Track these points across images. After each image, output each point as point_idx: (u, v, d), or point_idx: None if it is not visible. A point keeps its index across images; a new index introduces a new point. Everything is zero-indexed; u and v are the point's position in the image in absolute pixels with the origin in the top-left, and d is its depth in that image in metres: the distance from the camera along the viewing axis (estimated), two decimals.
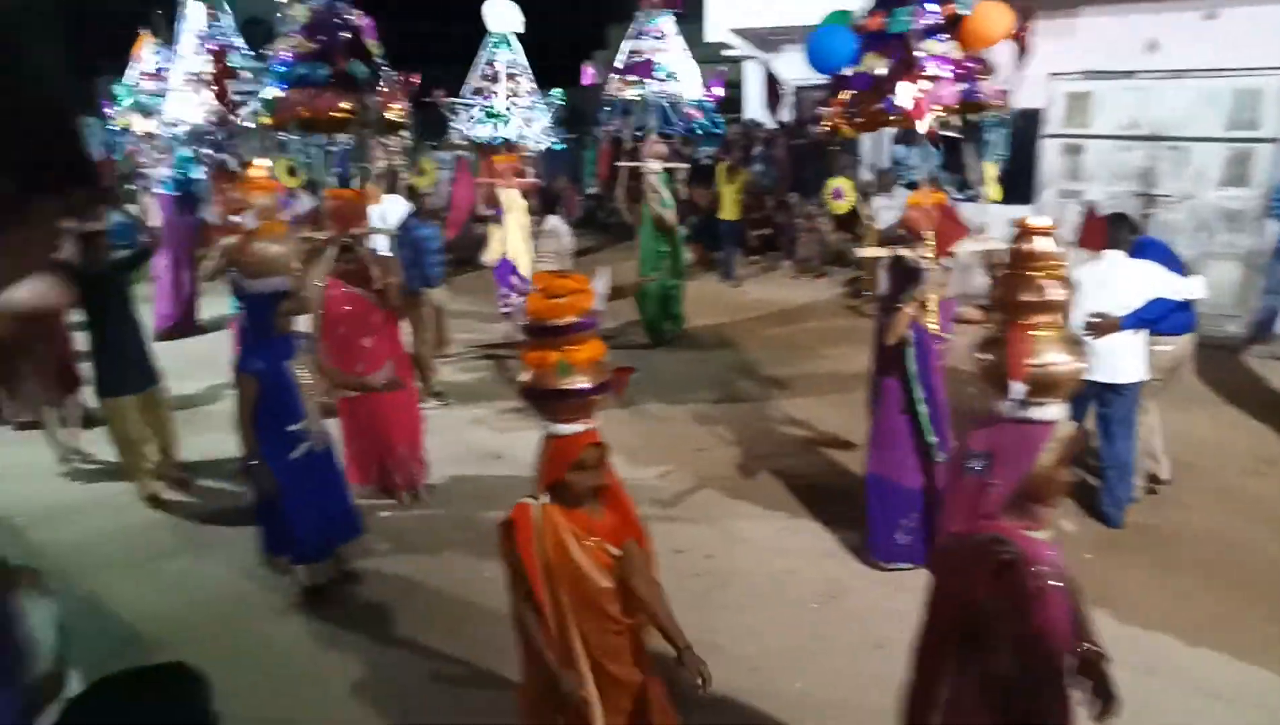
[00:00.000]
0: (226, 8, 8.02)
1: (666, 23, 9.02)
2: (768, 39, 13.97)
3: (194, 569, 4.63)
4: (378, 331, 5.14)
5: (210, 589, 4.43)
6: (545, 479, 2.41)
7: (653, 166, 8.63)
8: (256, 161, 5.37)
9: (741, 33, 13.94)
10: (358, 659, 3.81)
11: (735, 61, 15.44)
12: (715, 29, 14.12)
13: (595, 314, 2.42)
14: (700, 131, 9.46)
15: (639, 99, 8.95)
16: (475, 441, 6.16)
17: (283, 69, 4.90)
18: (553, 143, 8.86)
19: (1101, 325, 4.31)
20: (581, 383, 2.35)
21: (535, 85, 8.58)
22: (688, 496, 5.35)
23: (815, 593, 4.29)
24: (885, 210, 10.38)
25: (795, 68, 14.36)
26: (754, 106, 14.86)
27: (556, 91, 8.76)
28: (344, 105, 4.84)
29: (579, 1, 20.33)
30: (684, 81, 9.02)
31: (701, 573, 4.48)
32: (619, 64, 9.12)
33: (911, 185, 10.13)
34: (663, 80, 8.85)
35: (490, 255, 8.41)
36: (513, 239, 8.74)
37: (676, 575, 4.39)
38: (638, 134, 9.11)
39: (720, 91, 9.49)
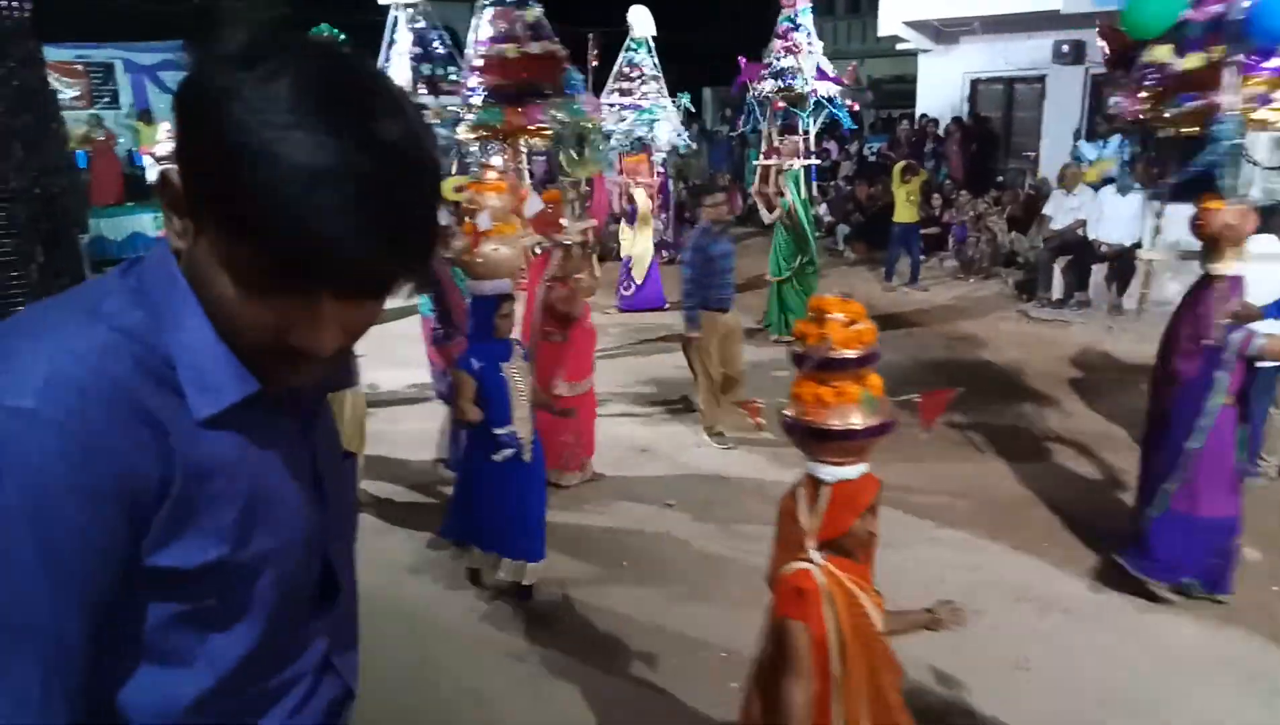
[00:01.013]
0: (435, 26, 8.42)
1: (804, 20, 8.89)
2: (943, 30, 13.46)
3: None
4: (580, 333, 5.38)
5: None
6: (829, 530, 2.15)
7: (785, 164, 8.55)
8: (492, 162, 5.54)
9: (915, 25, 13.49)
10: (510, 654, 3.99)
11: (910, 55, 14.98)
12: (888, 22, 13.75)
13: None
14: (832, 126, 9.44)
15: (768, 97, 8.91)
16: (622, 436, 6.29)
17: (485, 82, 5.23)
18: (681, 144, 9.00)
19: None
20: (879, 418, 2.14)
21: (664, 88, 8.77)
22: None
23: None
24: (1064, 209, 9.82)
25: (972, 60, 13.80)
26: (928, 101, 14.35)
27: (684, 96, 8.92)
28: (558, 117, 5.19)
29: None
30: (817, 79, 8.87)
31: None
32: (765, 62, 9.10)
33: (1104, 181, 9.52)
34: (791, 78, 8.75)
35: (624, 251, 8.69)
36: (640, 237, 8.94)
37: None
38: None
39: (846, 83, 9.28)
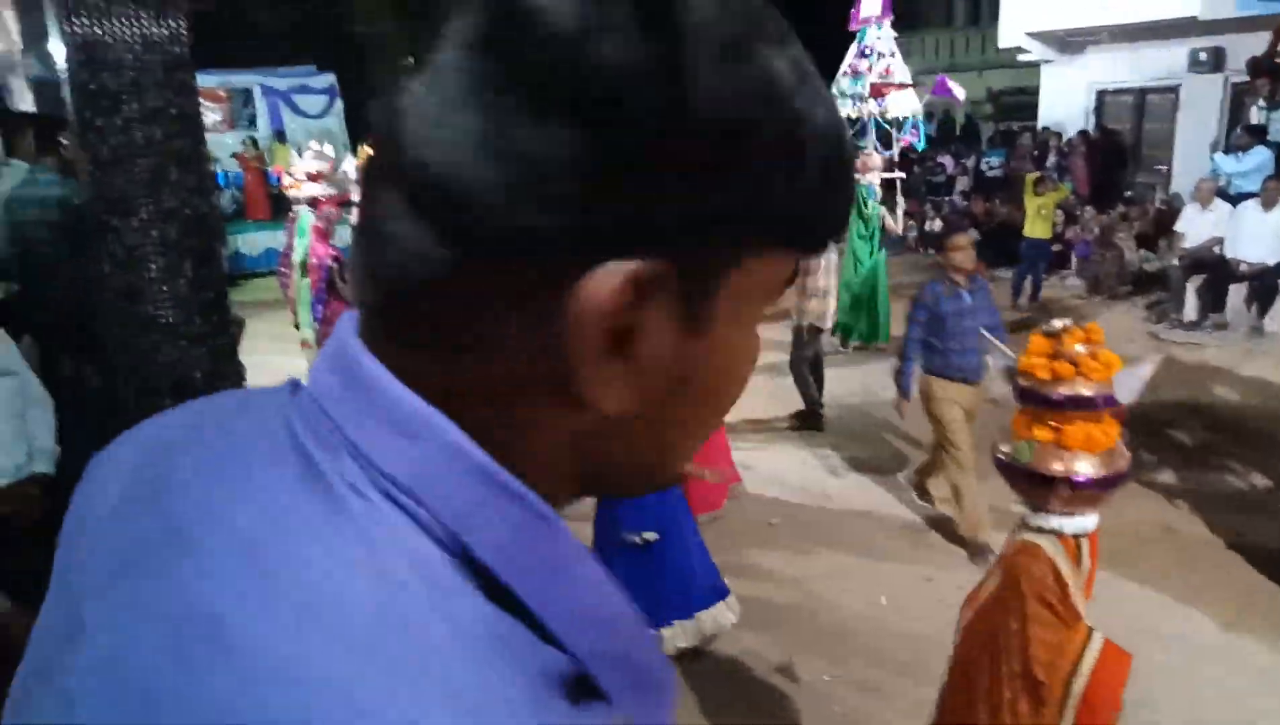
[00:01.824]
0: None
1: (879, 38, 8.82)
2: (1068, 40, 12.99)
3: None
4: None
5: None
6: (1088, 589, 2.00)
7: (866, 180, 8.50)
8: None
9: (1038, 35, 13.06)
10: None
11: (1034, 66, 14.51)
12: (1010, 33, 13.35)
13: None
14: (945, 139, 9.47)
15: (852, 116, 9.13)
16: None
17: None
18: None
19: None
20: (1124, 461, 1.98)
21: None
22: (942, 520, 5.14)
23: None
24: (1198, 225, 9.31)
25: (1099, 70, 13.26)
26: (1051, 113, 13.85)
27: None
28: None
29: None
30: (897, 95, 8.82)
31: (947, 601, 4.29)
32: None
33: (1238, 197, 9.07)
34: (863, 97, 8.96)
35: None
36: None
37: (923, 604, 4.26)
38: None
39: (949, 92, 9.24)
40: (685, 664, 3.61)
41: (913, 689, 3.59)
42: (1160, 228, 10.79)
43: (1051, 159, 13.27)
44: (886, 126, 9.33)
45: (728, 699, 3.58)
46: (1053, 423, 1.96)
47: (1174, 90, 12.66)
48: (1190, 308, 9.16)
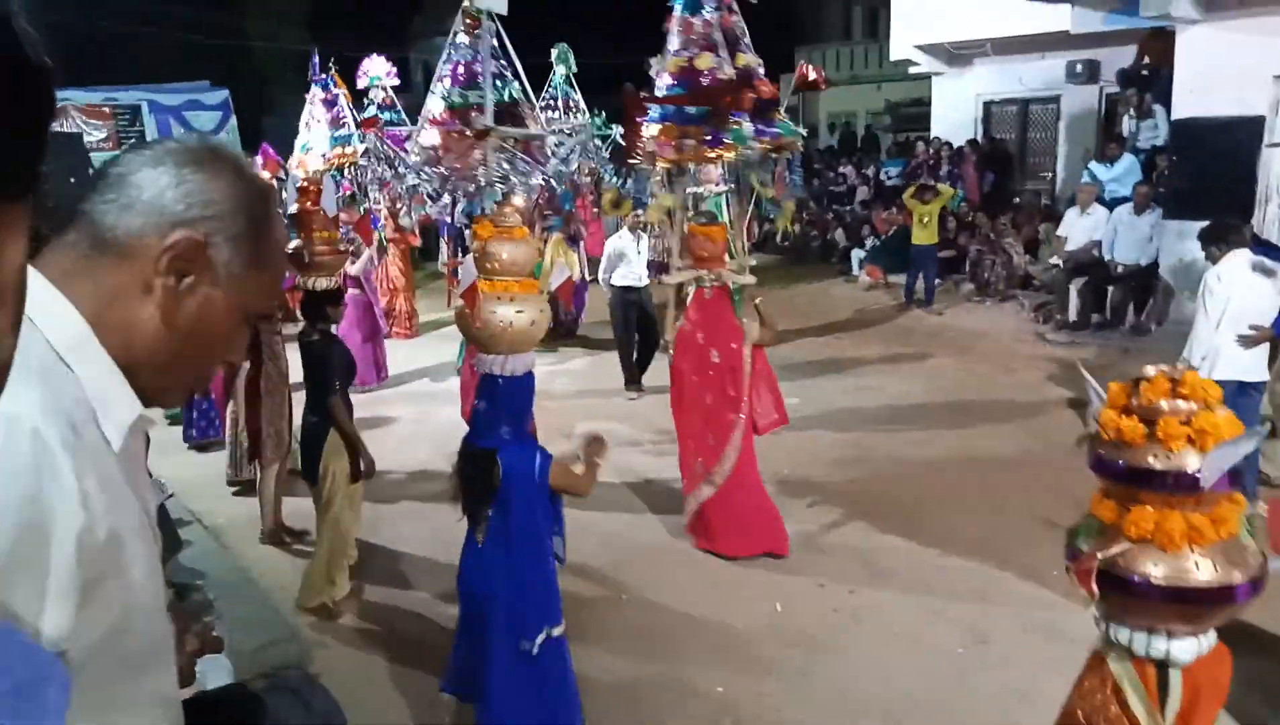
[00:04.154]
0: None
1: None
2: (954, 53, 13.46)
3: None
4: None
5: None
6: None
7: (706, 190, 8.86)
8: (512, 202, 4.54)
9: (927, 48, 13.50)
10: None
11: (923, 78, 14.98)
12: (900, 46, 13.76)
13: None
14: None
15: None
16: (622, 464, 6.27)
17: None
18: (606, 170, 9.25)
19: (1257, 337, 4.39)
20: (1256, 567, 1.44)
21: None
22: (834, 528, 5.21)
23: (957, 635, 4.06)
24: (1078, 229, 9.73)
25: (985, 82, 13.78)
26: (943, 124, 14.32)
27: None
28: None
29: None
30: None
31: (840, 608, 4.35)
32: None
33: (1113, 202, 9.51)
34: None
35: None
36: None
37: (816, 611, 4.30)
38: None
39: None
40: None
41: (808, 694, 3.63)
42: (1045, 232, 11.26)
43: (944, 167, 13.72)
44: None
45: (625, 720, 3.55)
46: (1121, 499, 1.51)
47: (1055, 101, 13.25)
48: (1073, 308, 9.56)
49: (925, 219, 10.83)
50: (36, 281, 0.85)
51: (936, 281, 11.29)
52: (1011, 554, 4.71)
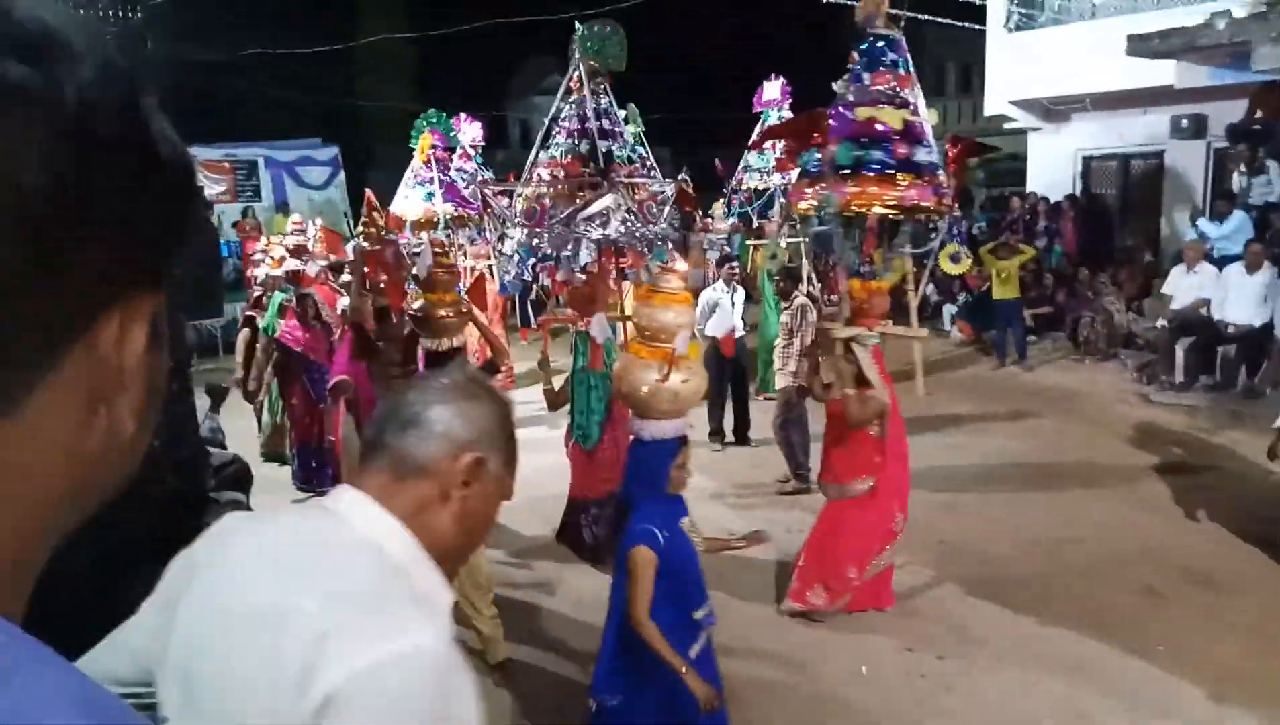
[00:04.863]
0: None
1: (780, 119, 10.31)
2: (1051, 109, 13.24)
3: None
4: (855, 442, 4.78)
5: None
6: None
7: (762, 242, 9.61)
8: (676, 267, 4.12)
9: (1022, 104, 13.32)
10: None
11: (1019, 133, 14.77)
12: (995, 101, 13.63)
13: None
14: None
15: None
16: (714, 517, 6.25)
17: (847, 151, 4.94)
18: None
19: None
20: None
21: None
22: (924, 591, 5.08)
23: (1049, 708, 3.90)
24: (1184, 287, 9.39)
25: (1083, 137, 13.49)
26: (1039, 179, 14.05)
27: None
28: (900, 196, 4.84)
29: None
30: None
31: (928, 674, 4.23)
32: None
33: (1222, 260, 9.19)
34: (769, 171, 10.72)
35: None
36: None
37: (903, 676, 4.20)
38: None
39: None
40: None
41: None
42: (1148, 290, 10.88)
43: (1040, 223, 13.43)
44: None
45: None
46: None
47: (1158, 156, 12.86)
48: (1179, 369, 9.17)
49: (1004, 274, 10.68)
50: (373, 508, 1.12)
51: (1031, 338, 10.98)
52: (1112, 625, 4.52)
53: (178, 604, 1.08)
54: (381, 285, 5.42)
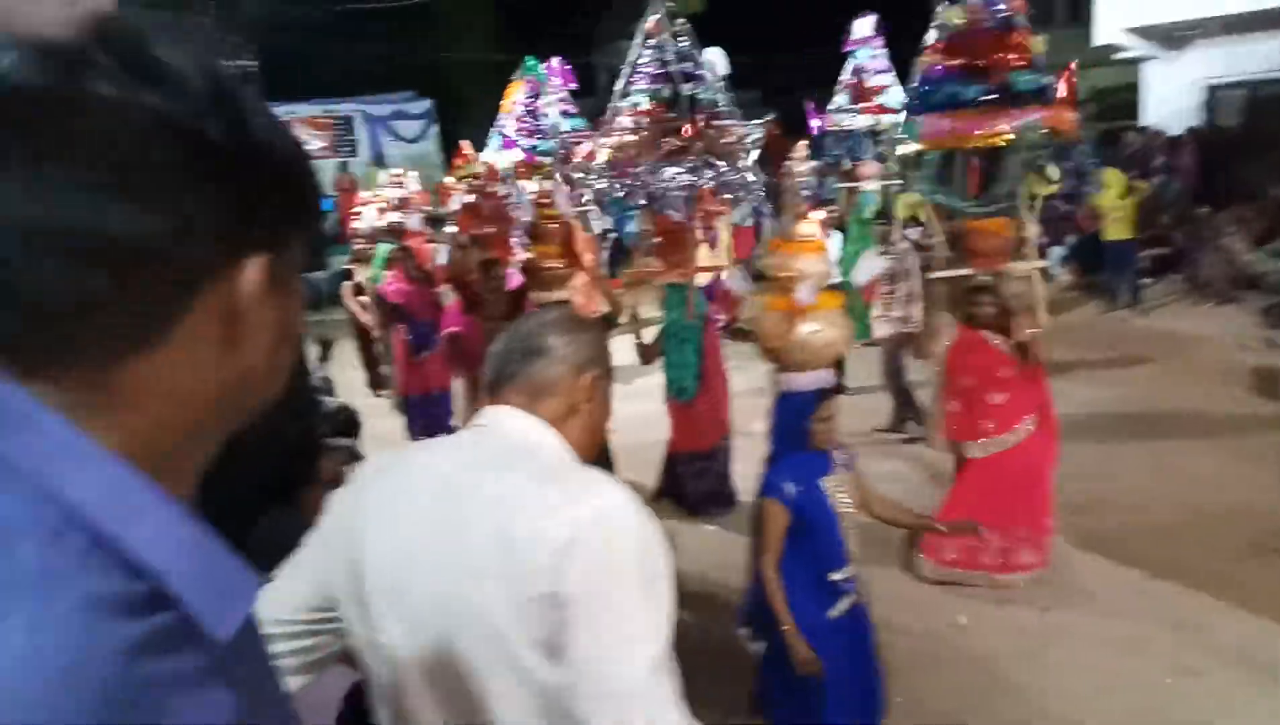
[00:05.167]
0: None
1: (874, 57, 9.90)
2: (1172, 35, 12.40)
3: None
4: (1014, 387, 4.51)
5: None
6: None
7: (866, 187, 8.89)
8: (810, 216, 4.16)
9: (1139, 31, 12.50)
10: None
11: (1133, 63, 13.90)
12: (1107, 29, 12.82)
13: None
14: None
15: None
16: None
17: (928, 88, 4.67)
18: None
19: None
20: None
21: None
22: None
23: (1161, 666, 3.77)
24: None
25: (1206, 65, 12.59)
26: (1156, 112, 13.23)
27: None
28: (1001, 128, 4.42)
29: None
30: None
31: (1030, 629, 4.15)
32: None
33: None
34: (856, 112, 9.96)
35: None
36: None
37: (1004, 631, 4.12)
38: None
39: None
40: None
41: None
42: (1277, 229, 10.18)
43: (1159, 159, 12.68)
44: (879, 139, 9.74)
45: None
46: None
47: None
48: None
49: (1118, 212, 10.01)
50: (526, 418, 1.33)
51: (1145, 281, 10.43)
52: (1220, 580, 4.33)
53: (358, 533, 1.24)
54: (483, 238, 5.46)
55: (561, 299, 4.68)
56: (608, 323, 4.80)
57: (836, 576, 2.87)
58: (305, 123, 17.62)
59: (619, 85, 5.74)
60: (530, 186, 6.87)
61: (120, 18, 0.56)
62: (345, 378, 6.84)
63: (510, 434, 1.31)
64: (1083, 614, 4.21)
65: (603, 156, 5.46)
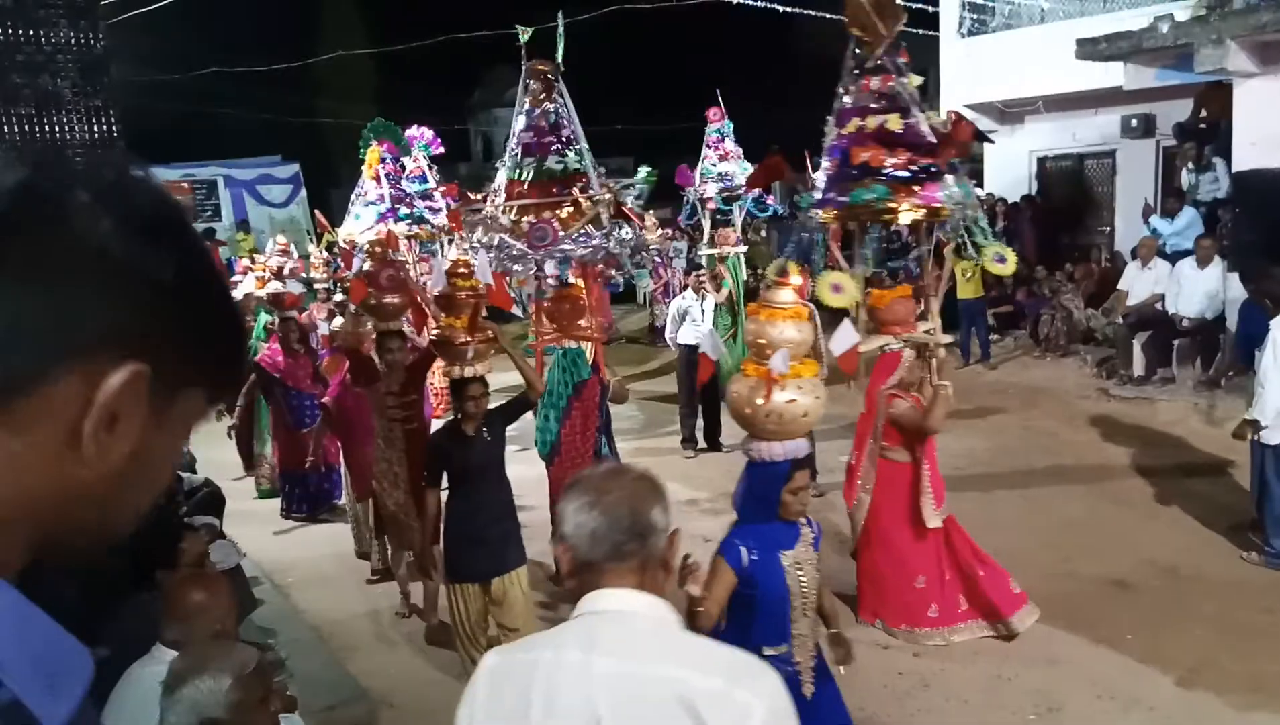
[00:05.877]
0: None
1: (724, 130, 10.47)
2: (1006, 111, 13.50)
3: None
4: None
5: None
6: None
7: (727, 251, 9.11)
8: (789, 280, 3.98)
9: (977, 107, 13.55)
10: None
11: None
12: (950, 105, 13.83)
13: None
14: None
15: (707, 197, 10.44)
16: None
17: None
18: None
19: None
20: None
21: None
22: None
23: (1032, 703, 3.96)
24: (1138, 282, 9.60)
25: (1038, 138, 13.75)
26: (996, 180, 14.30)
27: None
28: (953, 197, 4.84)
29: None
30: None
31: (905, 671, 4.28)
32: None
33: (1175, 256, 9.38)
34: (730, 181, 10.27)
35: None
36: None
37: (880, 674, 4.24)
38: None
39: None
40: None
41: None
42: (1105, 288, 11.11)
43: (1000, 223, 13.67)
44: (727, 207, 10.38)
45: None
46: None
47: (1110, 155, 13.15)
48: (1138, 363, 9.37)
49: (969, 273, 10.78)
50: (647, 598, 1.46)
51: (992, 337, 11.15)
52: (1083, 617, 4.60)
53: None
54: (379, 309, 5.21)
55: (476, 374, 4.42)
56: (521, 406, 4.62)
57: (771, 652, 2.78)
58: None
59: (505, 154, 5.82)
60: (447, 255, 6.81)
61: None
62: (211, 457, 6.49)
63: (643, 616, 1.43)
64: (953, 655, 4.38)
65: (505, 220, 5.45)
